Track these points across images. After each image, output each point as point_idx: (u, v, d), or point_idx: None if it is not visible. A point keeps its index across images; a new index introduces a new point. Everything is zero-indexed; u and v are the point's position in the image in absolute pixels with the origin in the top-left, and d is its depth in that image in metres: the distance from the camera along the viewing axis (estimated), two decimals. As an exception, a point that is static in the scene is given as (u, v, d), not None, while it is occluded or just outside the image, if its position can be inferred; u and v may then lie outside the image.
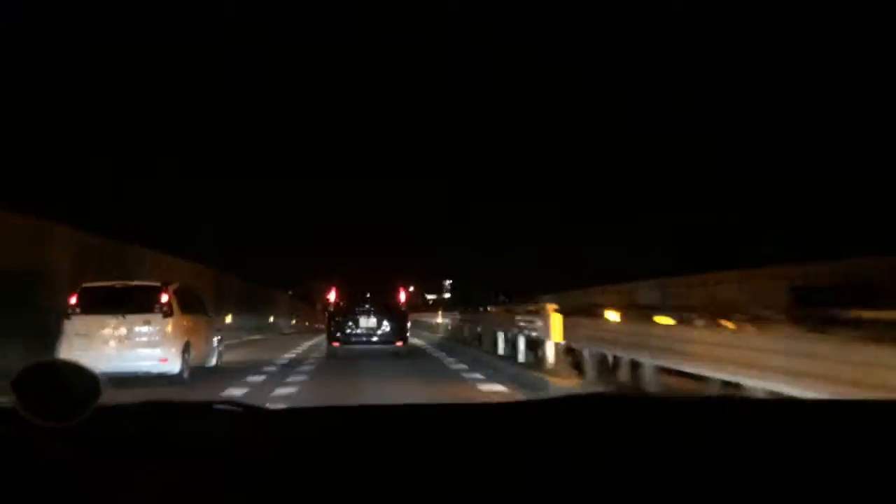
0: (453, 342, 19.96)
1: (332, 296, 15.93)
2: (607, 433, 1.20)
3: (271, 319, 37.20)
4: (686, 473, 1.00)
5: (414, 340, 19.16)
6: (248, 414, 1.37)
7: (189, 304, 11.04)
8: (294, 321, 46.33)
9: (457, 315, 23.25)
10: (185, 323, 10.47)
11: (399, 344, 15.00)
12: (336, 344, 15.04)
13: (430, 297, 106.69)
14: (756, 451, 1.09)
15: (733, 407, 1.59)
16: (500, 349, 13.94)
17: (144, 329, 9.92)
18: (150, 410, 1.32)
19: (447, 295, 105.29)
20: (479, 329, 17.22)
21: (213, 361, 11.99)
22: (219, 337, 12.45)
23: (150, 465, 1.04)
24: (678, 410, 1.44)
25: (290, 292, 58.13)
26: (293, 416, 1.56)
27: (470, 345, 17.41)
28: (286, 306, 49.07)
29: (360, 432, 1.26)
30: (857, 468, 1.01)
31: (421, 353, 17.02)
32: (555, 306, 10.91)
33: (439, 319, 27.85)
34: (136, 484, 0.98)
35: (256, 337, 24.99)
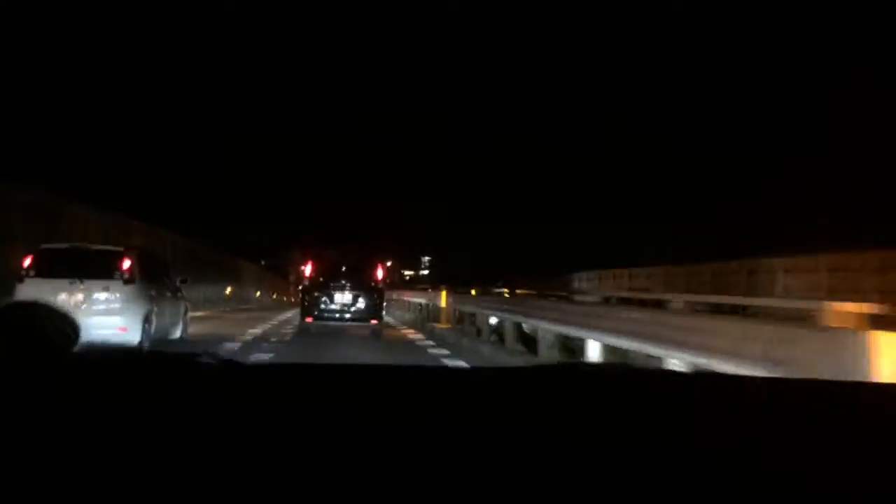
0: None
1: (306, 269, 15.58)
2: (583, 405, 1.20)
3: (228, 290, 33.94)
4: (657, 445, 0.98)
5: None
6: (230, 366, 1.38)
7: (153, 271, 10.48)
8: (258, 293, 44.14)
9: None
10: (147, 291, 9.92)
11: (374, 322, 14.74)
12: (309, 319, 14.84)
13: (406, 273, 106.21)
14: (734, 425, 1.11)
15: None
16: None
17: (103, 296, 9.37)
18: (128, 359, 1.39)
19: (425, 272, 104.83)
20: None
21: (178, 333, 11.45)
22: (185, 308, 11.89)
23: (127, 414, 1.01)
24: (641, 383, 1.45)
25: (262, 262, 57.11)
26: (274, 370, 1.57)
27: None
28: (252, 277, 46.65)
29: (340, 386, 1.28)
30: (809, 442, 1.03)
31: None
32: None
33: (422, 300, 25.54)
34: (113, 433, 0.95)
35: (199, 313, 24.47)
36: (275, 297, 47.07)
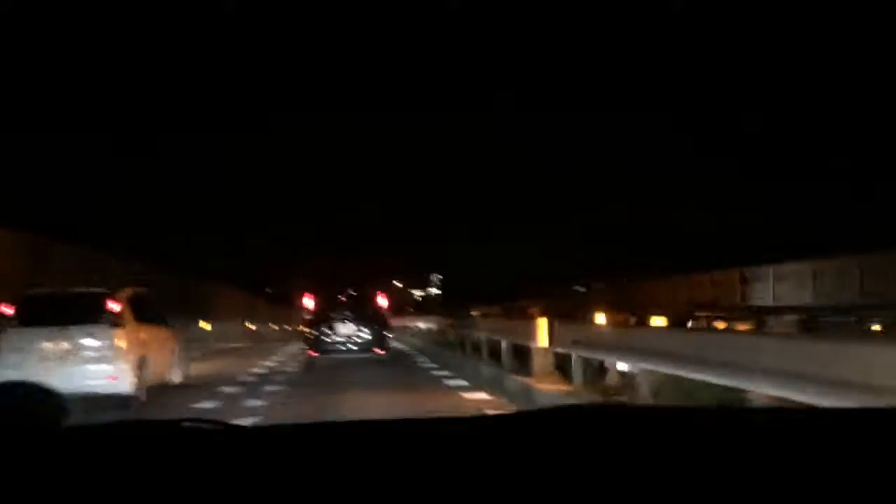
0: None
1: (309, 303, 15.51)
2: (590, 447, 1.20)
3: (254, 327, 35.71)
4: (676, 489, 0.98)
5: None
6: (220, 431, 1.34)
7: (144, 312, 9.82)
8: (276, 327, 44.30)
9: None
10: (139, 334, 9.26)
11: (380, 352, 14.77)
12: (314, 353, 14.69)
13: (416, 293, 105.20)
14: (743, 462, 1.09)
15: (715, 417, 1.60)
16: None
17: (90, 342, 8.70)
18: (114, 431, 1.31)
19: (435, 290, 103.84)
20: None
21: (178, 377, 10.79)
22: (182, 348, 11.22)
23: (116, 489, 1.01)
24: (664, 423, 1.42)
25: (267, 290, 56.51)
26: (268, 433, 1.43)
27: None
28: (256, 309, 46.59)
29: (340, 451, 1.24)
30: (854, 477, 1.01)
31: None
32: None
33: (422, 325, 25.42)
34: None
35: (239, 345, 23.82)
36: (278, 328, 46.11)
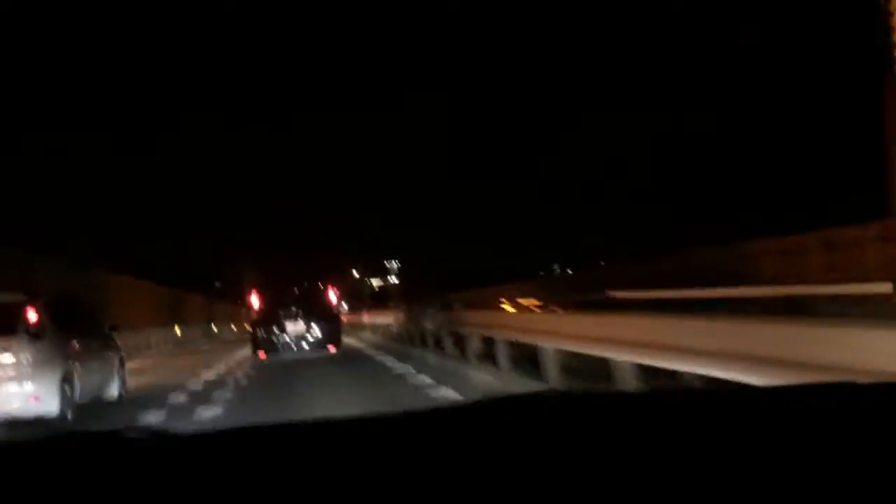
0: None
1: (254, 300, 14.85)
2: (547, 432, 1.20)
3: (214, 329, 35.38)
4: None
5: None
6: (164, 441, 1.26)
7: (71, 320, 8.76)
8: (234, 327, 43.09)
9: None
10: (64, 347, 8.23)
11: (332, 349, 14.46)
12: (262, 354, 14.15)
13: (375, 282, 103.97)
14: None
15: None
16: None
17: (4, 359, 7.63)
18: (44, 446, 1.25)
19: (394, 279, 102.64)
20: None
21: (114, 391, 9.73)
22: (120, 360, 10.15)
23: None
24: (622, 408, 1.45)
25: (216, 284, 54.68)
26: (214, 439, 1.32)
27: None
28: (203, 309, 45.16)
29: (290, 452, 1.19)
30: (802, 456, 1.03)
31: None
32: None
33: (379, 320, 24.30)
34: None
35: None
36: (234, 328, 44.43)
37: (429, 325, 14.40)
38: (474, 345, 11.60)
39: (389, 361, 13.27)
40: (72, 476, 1.07)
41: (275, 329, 14.28)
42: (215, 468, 1.11)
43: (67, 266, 18.59)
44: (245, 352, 19.00)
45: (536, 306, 20.64)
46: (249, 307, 15.52)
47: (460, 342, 12.59)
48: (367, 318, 29.81)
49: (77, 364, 8.32)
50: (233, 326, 43.59)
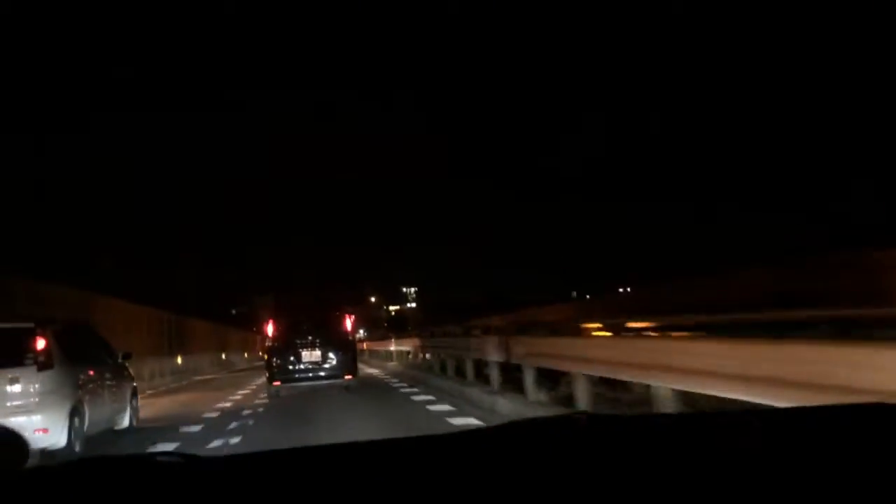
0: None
1: (269, 328, 14.87)
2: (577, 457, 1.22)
3: (223, 356, 34.52)
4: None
5: None
6: (187, 463, 1.31)
7: (82, 349, 8.56)
8: (246, 354, 42.96)
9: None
10: (74, 376, 8.02)
11: (349, 377, 14.30)
12: (277, 383, 14.05)
13: (392, 308, 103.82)
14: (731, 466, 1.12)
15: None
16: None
17: (12, 389, 7.42)
18: (75, 470, 1.30)
19: (412, 304, 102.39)
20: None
21: (126, 422, 9.52)
22: (132, 390, 9.95)
23: None
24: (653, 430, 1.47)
25: (233, 311, 54.66)
26: (238, 463, 1.40)
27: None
28: (237, 339, 45.00)
29: (313, 476, 1.25)
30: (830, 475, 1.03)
31: None
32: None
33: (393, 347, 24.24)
34: None
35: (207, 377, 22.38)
36: (246, 355, 43.92)
37: (494, 355, 11.23)
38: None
39: (420, 396, 12.48)
40: (105, 499, 1.12)
41: (290, 357, 14.24)
42: (246, 491, 1.15)
43: (69, 288, 18.39)
44: (260, 380, 18.77)
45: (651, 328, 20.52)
46: (265, 335, 15.27)
47: (516, 377, 10.28)
48: (384, 345, 29.46)
49: (87, 395, 8.13)
50: (245, 354, 43.09)
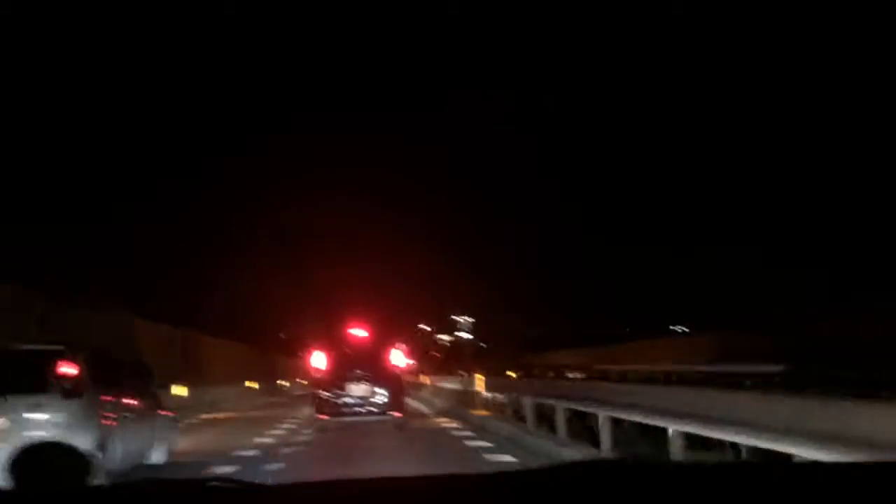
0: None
1: (318, 360, 14.69)
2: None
3: (255, 385, 33.83)
4: None
5: None
6: (242, 490, 1.38)
7: (113, 375, 7.97)
8: (287, 383, 41.26)
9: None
10: (104, 405, 7.42)
11: (397, 415, 14.00)
12: (323, 416, 13.99)
13: (442, 338, 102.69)
14: None
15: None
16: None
17: (36, 417, 6.85)
18: (138, 490, 1.40)
19: (466, 335, 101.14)
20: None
21: (161, 456, 8.90)
22: (170, 421, 9.33)
23: None
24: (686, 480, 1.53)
25: (281, 335, 54.31)
26: (292, 491, 1.48)
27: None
28: (283, 366, 44.14)
29: None
30: None
31: None
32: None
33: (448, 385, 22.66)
34: None
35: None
36: (289, 384, 42.69)
37: None
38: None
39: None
40: None
41: (337, 391, 14.10)
42: None
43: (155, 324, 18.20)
44: (307, 410, 18.05)
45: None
46: (312, 367, 15.29)
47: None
48: (437, 380, 28.23)
49: (117, 425, 7.50)
50: (301, 381, 41.99)
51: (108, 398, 7.55)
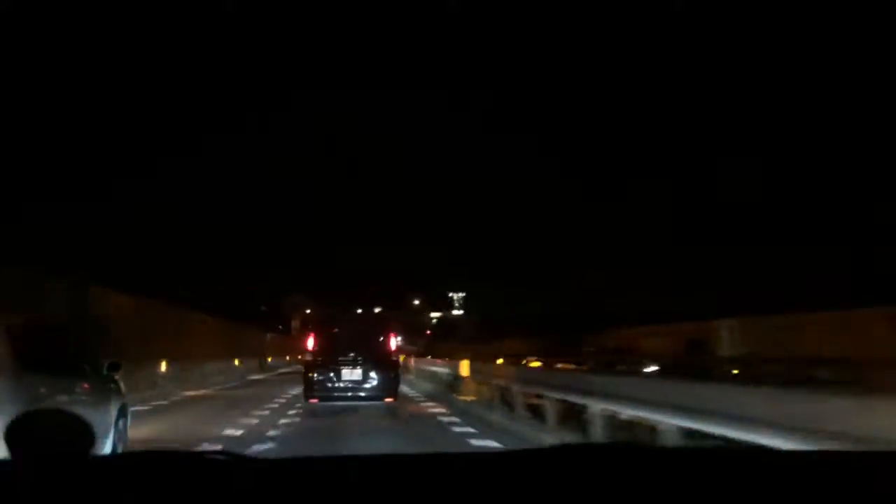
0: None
1: (310, 342, 14.68)
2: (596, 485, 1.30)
3: (236, 363, 32.47)
4: None
5: None
6: (236, 462, 1.43)
7: (48, 352, 6.98)
8: (261, 362, 39.83)
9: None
10: (32, 387, 6.41)
11: (390, 399, 14.27)
12: (314, 399, 14.10)
13: (434, 315, 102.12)
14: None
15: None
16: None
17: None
18: (137, 461, 1.49)
19: (458, 311, 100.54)
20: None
21: (107, 446, 7.90)
22: (120, 407, 8.31)
23: None
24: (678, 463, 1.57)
25: (262, 307, 53.70)
26: (282, 465, 1.53)
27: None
28: (259, 344, 42.53)
29: (348, 483, 1.35)
30: None
31: None
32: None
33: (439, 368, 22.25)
34: None
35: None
36: (269, 360, 41.68)
37: None
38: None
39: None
40: (158, 488, 1.27)
41: (330, 374, 14.09)
42: (292, 492, 1.30)
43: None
44: (293, 390, 17.50)
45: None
46: (305, 348, 15.37)
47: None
48: (426, 363, 27.36)
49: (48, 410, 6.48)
50: (260, 360, 41.22)
51: (38, 379, 6.53)
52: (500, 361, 24.82)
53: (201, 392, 19.59)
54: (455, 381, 18.15)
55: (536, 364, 22.06)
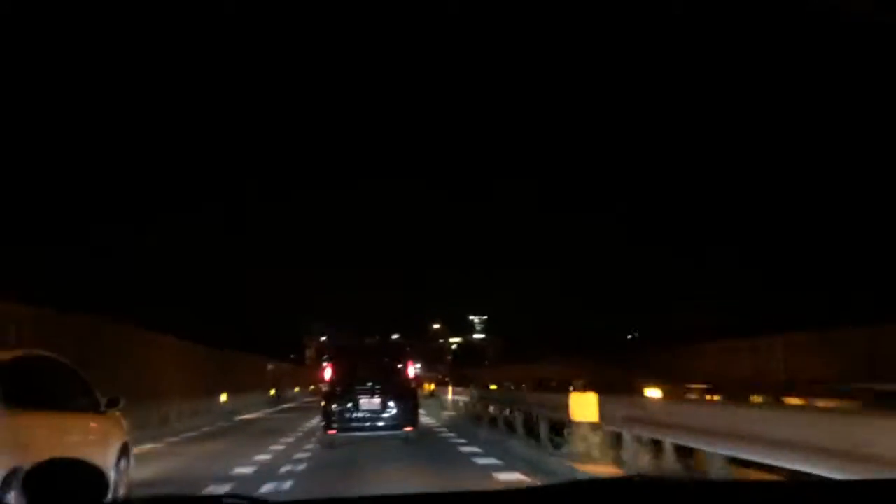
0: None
1: (327, 373, 14.68)
2: None
3: (222, 399, 28.61)
4: None
5: None
6: None
7: (41, 388, 6.75)
8: (273, 392, 38.56)
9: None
10: (24, 428, 6.18)
11: (409, 429, 14.12)
12: (332, 431, 13.96)
13: (454, 340, 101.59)
14: None
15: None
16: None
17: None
18: None
19: (479, 335, 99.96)
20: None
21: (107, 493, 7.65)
22: (121, 446, 8.06)
23: None
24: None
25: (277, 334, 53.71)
26: None
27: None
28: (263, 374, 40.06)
29: None
30: None
31: None
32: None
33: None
34: None
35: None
36: (272, 393, 40.98)
37: None
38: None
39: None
40: None
41: (348, 405, 13.98)
42: None
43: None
44: (309, 423, 17.19)
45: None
46: (322, 379, 15.13)
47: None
48: (445, 391, 26.84)
49: (40, 454, 6.24)
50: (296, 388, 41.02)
51: (33, 418, 6.32)
52: (493, 387, 24.13)
53: (148, 447, 13.72)
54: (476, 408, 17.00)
55: (656, 393, 16.53)
